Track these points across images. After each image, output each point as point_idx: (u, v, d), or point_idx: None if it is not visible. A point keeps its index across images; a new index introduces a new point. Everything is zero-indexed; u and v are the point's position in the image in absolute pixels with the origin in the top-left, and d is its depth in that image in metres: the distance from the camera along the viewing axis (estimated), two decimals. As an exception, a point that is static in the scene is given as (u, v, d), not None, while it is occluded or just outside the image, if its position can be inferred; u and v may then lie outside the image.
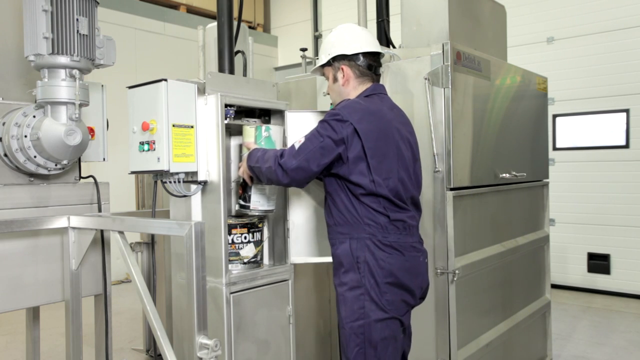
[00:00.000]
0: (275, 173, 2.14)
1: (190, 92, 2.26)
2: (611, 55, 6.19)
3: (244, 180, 2.38)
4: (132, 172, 2.34)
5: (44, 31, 2.11)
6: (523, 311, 3.47)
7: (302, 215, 2.62)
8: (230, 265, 2.37)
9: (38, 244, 2.41)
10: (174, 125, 2.18)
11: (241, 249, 2.42)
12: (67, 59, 2.17)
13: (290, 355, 2.53)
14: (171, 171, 2.18)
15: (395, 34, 3.24)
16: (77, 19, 2.17)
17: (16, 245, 2.34)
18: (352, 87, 2.29)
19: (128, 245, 2.26)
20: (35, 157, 2.29)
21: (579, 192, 6.41)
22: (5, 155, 2.33)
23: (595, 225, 6.30)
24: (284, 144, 2.51)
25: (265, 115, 2.63)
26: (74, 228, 2.41)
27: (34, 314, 2.80)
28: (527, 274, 3.59)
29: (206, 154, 2.29)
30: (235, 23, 2.67)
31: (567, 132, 6.53)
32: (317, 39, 9.28)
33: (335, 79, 2.32)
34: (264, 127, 2.40)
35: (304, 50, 4.13)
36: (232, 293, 2.27)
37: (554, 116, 6.50)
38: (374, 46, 2.31)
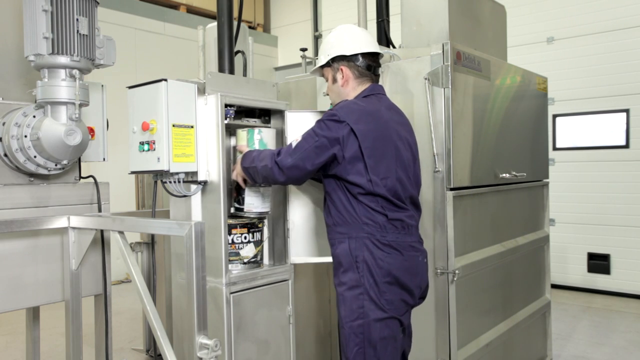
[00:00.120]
0: (271, 171, 2.16)
1: (190, 92, 2.26)
2: (611, 55, 6.19)
3: (237, 183, 2.40)
4: (132, 172, 2.34)
5: (44, 31, 2.11)
6: (523, 311, 3.47)
7: (302, 215, 2.62)
8: (230, 265, 2.37)
9: (38, 244, 2.41)
10: (174, 125, 2.18)
11: (241, 249, 2.42)
12: (67, 59, 2.17)
13: (290, 355, 2.53)
14: (171, 171, 2.18)
15: (395, 34, 3.24)
16: (77, 19, 2.17)
17: (16, 245, 2.34)
18: (352, 87, 2.30)
19: (128, 245, 2.26)
20: (35, 157, 2.29)
21: (579, 192, 6.41)
22: (5, 155, 2.33)
23: (595, 225, 6.30)
24: (283, 144, 2.51)
25: (265, 115, 2.63)
26: (74, 228, 2.41)
27: (34, 314, 2.80)
28: (527, 274, 3.59)
29: (206, 154, 2.29)
30: (235, 23, 2.67)
31: (567, 132, 6.53)
32: (317, 39, 9.28)
33: (334, 80, 2.33)
34: (256, 130, 2.42)
35: (304, 50, 4.13)
36: (232, 293, 2.27)
37: (554, 116, 6.50)
38: (372, 46, 2.31)
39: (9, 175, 2.38)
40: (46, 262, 2.44)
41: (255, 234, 2.47)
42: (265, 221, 2.61)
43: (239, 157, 2.37)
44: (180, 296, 2.40)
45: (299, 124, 2.55)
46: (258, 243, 2.49)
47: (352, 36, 2.31)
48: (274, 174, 2.16)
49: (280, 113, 2.58)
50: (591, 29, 6.32)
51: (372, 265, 2.09)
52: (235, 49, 2.65)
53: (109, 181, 2.70)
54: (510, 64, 3.33)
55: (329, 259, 2.36)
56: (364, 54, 2.28)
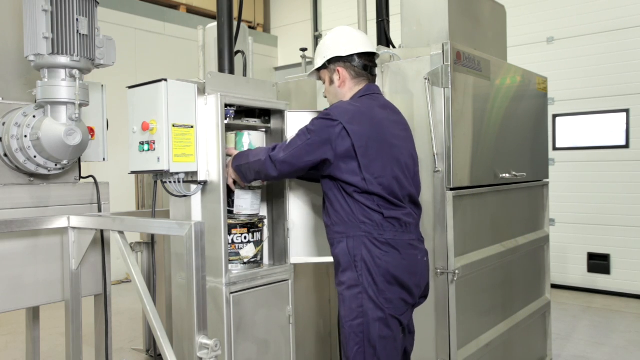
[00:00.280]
0: (264, 164, 2.20)
1: (190, 92, 2.26)
2: (611, 55, 6.19)
3: (227, 185, 2.40)
4: (132, 172, 2.34)
5: (44, 31, 2.11)
6: (523, 311, 3.47)
7: (302, 215, 2.62)
8: (230, 265, 2.37)
9: (38, 244, 2.41)
10: (174, 125, 2.18)
11: (241, 249, 2.42)
12: (67, 59, 2.17)
13: (290, 355, 2.53)
14: (171, 171, 2.18)
15: (395, 34, 3.24)
16: (77, 19, 2.17)
17: (16, 245, 2.34)
18: (348, 88, 2.32)
19: (128, 245, 2.26)
20: (35, 157, 2.29)
21: (579, 192, 6.41)
22: (5, 155, 2.33)
23: (595, 225, 6.30)
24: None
25: (265, 115, 2.63)
26: (74, 228, 2.41)
27: (34, 314, 2.80)
28: (527, 274, 3.59)
29: (206, 154, 2.29)
30: (235, 23, 2.67)
31: (567, 132, 6.53)
32: (317, 39, 9.28)
33: (331, 81, 2.35)
34: (245, 132, 2.46)
35: (304, 50, 4.13)
36: (232, 293, 2.27)
37: (554, 116, 6.50)
38: (368, 47, 2.33)
39: (9, 175, 2.37)
40: (46, 262, 2.44)
41: (255, 234, 2.47)
42: (265, 221, 2.61)
43: (229, 159, 2.38)
44: (180, 296, 2.40)
45: (299, 124, 2.53)
46: (258, 243, 2.49)
47: (347, 37, 2.33)
48: (266, 167, 2.20)
49: (280, 113, 2.58)
50: (591, 29, 6.32)
51: (371, 264, 2.10)
52: (235, 49, 2.65)
53: (109, 181, 2.70)
54: (510, 64, 3.33)
55: (329, 259, 2.37)
56: (360, 55, 2.30)
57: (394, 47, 3.27)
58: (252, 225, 2.46)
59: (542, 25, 6.65)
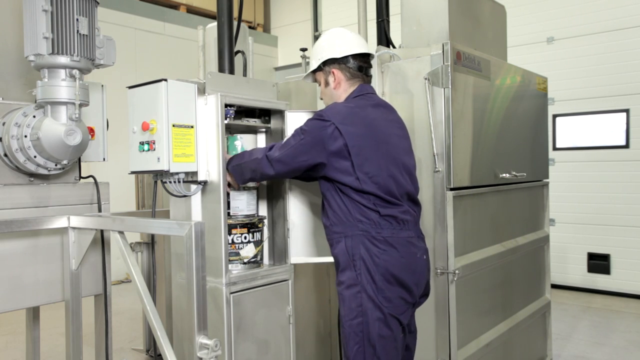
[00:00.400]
0: (260, 162, 2.22)
1: (190, 92, 2.26)
2: (611, 55, 6.19)
3: None
4: (132, 172, 2.34)
5: (44, 31, 2.11)
6: (523, 311, 3.47)
7: (302, 215, 2.62)
8: (230, 265, 2.37)
9: (38, 244, 2.41)
10: (174, 125, 2.18)
11: (241, 249, 2.42)
12: (67, 59, 2.17)
13: (290, 355, 2.53)
14: (171, 171, 2.18)
15: (395, 34, 3.24)
16: (77, 19, 2.17)
17: (16, 245, 2.34)
18: (343, 89, 2.34)
19: (128, 245, 2.26)
20: (35, 157, 2.29)
21: (579, 192, 6.41)
22: (5, 155, 2.33)
23: (595, 225, 6.30)
24: None
25: (265, 115, 2.63)
26: (74, 228, 2.41)
27: (34, 314, 2.80)
28: (527, 274, 3.59)
29: (206, 154, 2.29)
30: (235, 23, 2.67)
31: (567, 132, 6.53)
32: (317, 39, 9.23)
33: (327, 83, 2.37)
34: (237, 136, 2.48)
35: (304, 50, 4.12)
36: (232, 293, 2.27)
37: (554, 116, 6.50)
38: (363, 48, 2.34)
39: (9, 175, 2.38)
40: (46, 262, 2.44)
41: (255, 234, 2.47)
42: (265, 221, 2.61)
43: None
44: (180, 296, 2.40)
45: (299, 124, 2.54)
46: (258, 243, 2.49)
47: (342, 39, 2.34)
48: (263, 166, 2.22)
49: (280, 113, 2.58)
50: (591, 29, 6.32)
51: (369, 262, 2.10)
52: (235, 49, 2.65)
53: (109, 181, 2.70)
54: (510, 64, 3.33)
55: (329, 259, 2.37)
56: (354, 56, 2.31)
57: (394, 47, 3.27)
58: (252, 225, 2.46)
59: (542, 25, 6.64)
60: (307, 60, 4.18)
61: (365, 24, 3.40)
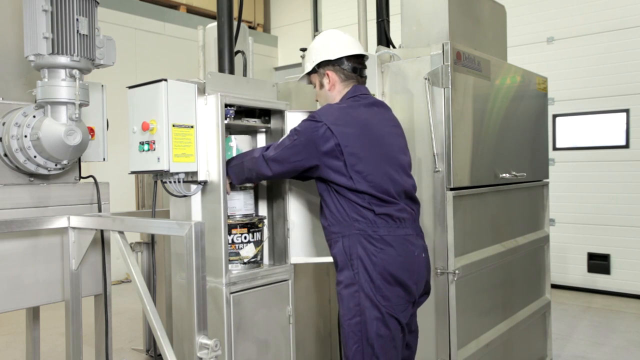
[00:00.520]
0: (257, 162, 2.24)
1: (190, 92, 2.26)
2: (611, 55, 6.19)
3: None
4: (132, 172, 2.34)
5: (44, 31, 2.11)
6: (523, 311, 3.47)
7: (302, 215, 2.62)
8: (230, 265, 2.37)
9: (38, 244, 2.41)
10: (174, 125, 2.18)
11: (241, 249, 2.42)
12: (67, 59, 2.17)
13: (290, 355, 2.53)
14: (171, 171, 2.18)
15: (395, 34, 3.24)
16: (77, 19, 2.17)
17: (16, 245, 2.34)
18: (338, 91, 2.35)
19: (128, 245, 2.26)
20: (35, 157, 2.29)
21: (579, 192, 6.41)
22: (5, 155, 2.33)
23: (595, 225, 6.30)
24: None
25: (265, 115, 2.63)
26: (74, 228, 2.41)
27: (34, 314, 2.80)
28: (527, 274, 3.59)
29: (206, 154, 2.29)
30: (235, 23, 2.67)
31: (567, 132, 6.53)
32: (316, 39, 9.27)
33: (321, 85, 2.38)
34: (231, 137, 2.49)
35: (304, 50, 4.11)
36: (232, 293, 2.27)
37: (554, 116, 6.50)
38: (357, 49, 2.35)
39: (9, 175, 2.38)
40: (46, 262, 2.44)
41: (255, 234, 2.47)
42: (265, 221, 2.61)
43: None
44: (180, 296, 2.40)
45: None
46: (258, 243, 2.49)
47: (336, 41, 2.35)
48: (259, 165, 2.24)
49: (280, 113, 2.58)
50: (591, 29, 6.32)
51: (366, 261, 2.10)
52: (235, 49, 2.65)
53: (109, 181, 2.70)
54: (510, 64, 3.33)
55: (329, 259, 2.37)
56: (348, 57, 2.32)
57: (394, 47, 3.28)
58: (252, 225, 2.46)
59: (542, 25, 6.64)
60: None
61: (365, 24, 3.39)
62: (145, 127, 2.16)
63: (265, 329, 2.41)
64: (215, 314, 2.25)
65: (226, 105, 2.30)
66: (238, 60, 2.73)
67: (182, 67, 7.45)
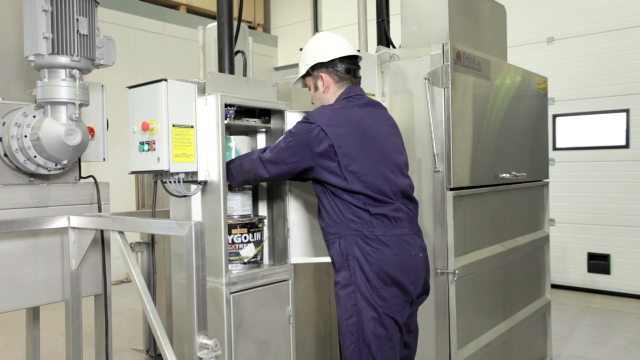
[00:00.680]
0: (254, 163, 2.26)
1: (190, 92, 2.26)
2: (611, 55, 6.19)
3: None
4: (132, 172, 2.34)
5: (44, 31, 2.11)
6: (523, 311, 3.47)
7: (302, 215, 2.62)
8: (230, 265, 2.37)
9: (38, 244, 2.41)
10: (174, 125, 2.18)
11: (241, 249, 2.42)
12: (67, 59, 2.17)
13: (290, 355, 2.53)
14: (171, 171, 2.18)
15: (395, 34, 3.24)
16: (77, 19, 2.17)
17: (16, 245, 2.34)
18: (332, 92, 2.36)
19: (128, 245, 2.26)
20: (35, 157, 2.29)
21: (579, 192, 6.41)
22: (5, 155, 2.33)
23: (595, 225, 6.30)
24: None
25: (265, 115, 2.63)
26: (74, 228, 2.41)
27: (34, 314, 2.80)
28: (527, 274, 3.59)
29: (206, 154, 2.29)
30: (235, 23, 2.67)
31: (567, 132, 6.53)
32: (317, 39, 9.26)
33: (316, 87, 2.39)
34: (230, 137, 2.49)
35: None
36: (232, 293, 2.27)
37: (554, 116, 6.50)
38: (350, 50, 2.36)
39: (9, 175, 2.37)
40: (46, 262, 2.44)
41: (255, 234, 2.47)
42: (265, 221, 2.61)
43: None
44: (180, 296, 2.40)
45: (299, 124, 2.55)
46: (258, 243, 2.49)
47: (328, 43, 2.36)
48: (256, 166, 2.25)
49: (280, 113, 2.58)
50: (591, 29, 6.32)
51: (363, 261, 2.11)
52: (235, 49, 2.65)
53: (109, 181, 2.70)
54: (510, 64, 3.33)
55: (329, 259, 2.36)
56: (342, 59, 2.33)
57: (394, 47, 3.28)
58: (252, 225, 2.46)
59: (542, 25, 6.64)
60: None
61: (365, 24, 3.40)
62: (145, 127, 2.16)
63: (265, 329, 2.41)
64: (215, 314, 2.25)
65: (226, 105, 2.30)
66: (238, 60, 2.73)
67: (182, 67, 7.45)
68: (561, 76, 6.40)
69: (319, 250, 2.62)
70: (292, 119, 2.56)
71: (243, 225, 2.43)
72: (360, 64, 2.43)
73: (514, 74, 3.34)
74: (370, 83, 2.81)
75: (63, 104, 2.23)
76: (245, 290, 2.33)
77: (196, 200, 2.34)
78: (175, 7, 8.60)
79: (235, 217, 2.47)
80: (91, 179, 2.62)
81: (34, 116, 2.28)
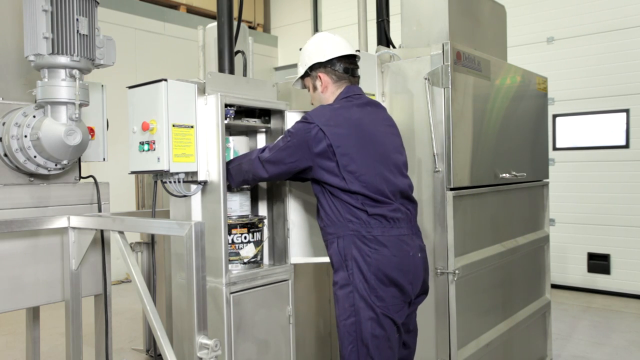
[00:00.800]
0: (253, 163, 2.25)
1: (190, 92, 2.26)
2: (611, 55, 6.19)
3: None
4: (132, 172, 2.34)
5: (44, 31, 2.11)
6: (523, 311, 3.47)
7: (302, 215, 2.62)
8: (230, 265, 2.37)
9: (38, 244, 2.41)
10: (174, 125, 2.18)
11: (241, 249, 2.42)
12: (67, 59, 2.17)
13: (290, 355, 2.53)
14: (171, 171, 2.18)
15: (395, 34, 3.24)
16: (77, 19, 2.17)
17: (16, 245, 2.34)
18: (331, 92, 2.36)
19: (128, 245, 2.26)
20: (35, 157, 2.29)
21: (579, 192, 6.41)
22: (5, 155, 2.33)
23: (595, 225, 6.30)
24: None
25: (265, 115, 2.63)
26: (74, 228, 2.41)
27: (34, 314, 2.80)
28: (527, 274, 3.59)
29: (206, 154, 2.29)
30: (235, 23, 2.67)
31: (567, 132, 6.53)
32: (317, 39, 9.26)
33: (315, 88, 2.39)
34: (230, 138, 2.49)
35: (303, 50, 4.12)
36: (232, 293, 2.27)
37: (554, 116, 6.50)
38: (347, 49, 2.36)
39: (9, 175, 2.38)
40: (46, 262, 2.44)
41: (255, 234, 2.47)
42: (265, 221, 2.61)
43: None
44: (180, 296, 2.40)
45: (299, 124, 2.55)
46: (258, 243, 2.49)
47: (326, 43, 2.36)
48: (255, 166, 2.25)
49: (280, 113, 2.58)
50: (591, 29, 6.32)
51: (361, 262, 2.11)
52: (235, 49, 2.65)
53: (109, 181, 2.70)
54: (510, 64, 3.33)
55: (329, 259, 2.37)
56: (339, 58, 2.33)
57: (394, 47, 3.28)
58: (252, 225, 2.46)
59: (542, 25, 6.65)
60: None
61: (365, 24, 3.40)
62: (145, 127, 2.16)
63: (265, 329, 2.41)
64: (215, 314, 2.25)
65: (226, 105, 2.31)
66: (238, 60, 2.73)
67: (182, 67, 7.45)
68: (561, 76, 6.40)
69: (318, 250, 2.62)
70: (292, 119, 2.56)
71: (243, 225, 2.43)
72: (360, 64, 2.43)
73: (514, 74, 3.34)
74: (370, 83, 2.81)
75: (63, 104, 2.23)
76: (245, 290, 2.33)
77: (196, 200, 2.34)
78: (175, 7, 8.60)
79: (234, 217, 2.47)
80: (91, 179, 2.62)
81: (34, 116, 2.28)
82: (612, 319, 5.31)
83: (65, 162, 2.35)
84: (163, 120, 2.15)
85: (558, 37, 6.56)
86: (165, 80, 2.16)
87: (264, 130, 2.69)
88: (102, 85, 2.68)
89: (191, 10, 8.81)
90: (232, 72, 2.54)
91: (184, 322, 2.37)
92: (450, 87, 2.64)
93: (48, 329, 4.83)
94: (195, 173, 2.29)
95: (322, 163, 2.15)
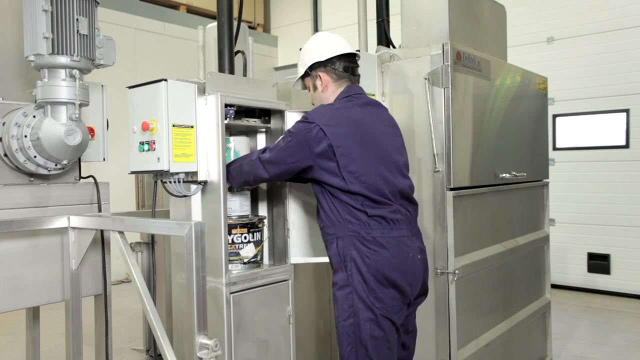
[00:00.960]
0: (254, 164, 2.26)
1: (190, 92, 2.26)
2: (611, 55, 6.19)
3: None
4: (132, 172, 2.34)
5: (44, 31, 2.11)
6: (523, 311, 3.47)
7: (301, 215, 2.62)
8: (230, 265, 2.37)
9: (38, 244, 2.41)
10: (174, 125, 2.18)
11: (241, 249, 2.42)
12: (67, 59, 2.17)
13: (290, 355, 2.53)
14: (171, 171, 2.18)
15: (395, 34, 3.24)
16: (77, 19, 2.17)
17: (16, 245, 2.34)
18: (331, 91, 2.35)
19: (128, 245, 2.26)
20: (35, 157, 2.29)
21: (579, 192, 6.41)
22: (5, 155, 2.33)
23: (595, 225, 6.30)
24: None
25: (265, 115, 2.63)
26: (74, 228, 2.41)
27: (34, 314, 2.80)
28: (527, 274, 3.59)
29: (206, 154, 2.29)
30: (235, 23, 2.67)
31: (567, 132, 6.53)
32: (317, 39, 9.26)
33: (315, 87, 2.39)
34: (230, 139, 2.50)
35: (303, 50, 4.12)
36: (232, 293, 2.27)
37: (554, 116, 6.50)
38: (347, 48, 2.36)
39: (9, 175, 2.38)
40: (46, 262, 2.44)
41: (255, 234, 2.47)
42: (265, 221, 2.61)
43: None
44: (180, 296, 2.40)
45: (299, 124, 2.55)
46: (258, 243, 2.49)
47: (325, 42, 2.36)
48: (256, 167, 2.25)
49: (280, 113, 2.58)
50: (591, 29, 6.32)
51: (360, 263, 2.10)
52: (235, 49, 2.65)
53: (109, 181, 2.70)
54: (510, 64, 3.33)
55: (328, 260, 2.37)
56: (339, 57, 2.32)
57: (394, 47, 3.28)
58: (252, 225, 2.46)
59: (542, 25, 6.65)
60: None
61: (365, 24, 3.40)
62: (145, 127, 2.16)
63: (265, 329, 2.42)
64: (215, 314, 2.25)
65: (226, 105, 2.31)
66: (238, 60, 2.73)
67: (182, 67, 7.45)
68: (561, 76, 6.40)
69: (318, 250, 2.62)
70: (292, 119, 2.56)
71: (243, 225, 2.43)
72: (360, 64, 2.43)
73: (514, 74, 3.34)
74: (370, 83, 2.81)
75: (63, 104, 2.23)
76: (245, 290, 2.33)
77: (196, 200, 2.34)
78: (175, 7, 8.60)
79: (234, 217, 2.47)
80: (91, 179, 2.62)
81: (34, 116, 2.28)
82: (612, 319, 5.31)
83: (65, 162, 2.35)
84: (163, 120, 2.15)
85: (558, 37, 6.56)
86: (165, 80, 2.16)
87: (264, 130, 2.69)
88: (102, 85, 2.68)
89: (191, 10, 8.81)
90: (232, 72, 2.54)
91: (184, 322, 2.37)
92: (450, 87, 2.64)
93: (48, 329, 4.83)
94: (195, 173, 2.29)
95: (322, 163, 2.15)
